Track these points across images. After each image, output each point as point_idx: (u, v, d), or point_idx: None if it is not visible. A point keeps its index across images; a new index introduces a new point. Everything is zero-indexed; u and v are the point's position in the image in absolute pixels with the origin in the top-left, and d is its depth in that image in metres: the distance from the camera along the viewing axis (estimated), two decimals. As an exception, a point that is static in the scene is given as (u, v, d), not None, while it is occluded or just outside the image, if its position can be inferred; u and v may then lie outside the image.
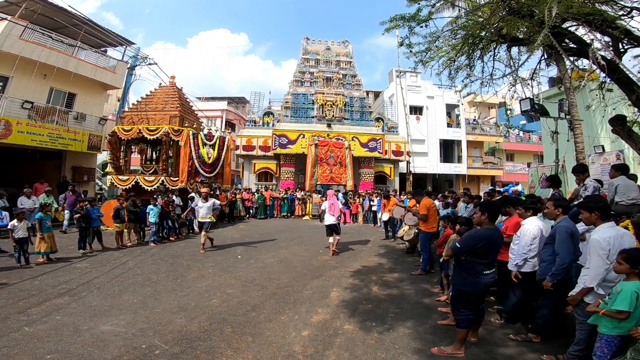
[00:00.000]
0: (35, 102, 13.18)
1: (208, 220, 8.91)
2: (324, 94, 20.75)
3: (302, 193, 18.17)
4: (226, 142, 15.05)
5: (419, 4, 5.03)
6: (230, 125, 33.87)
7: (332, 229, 8.53)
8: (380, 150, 20.09)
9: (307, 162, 18.37)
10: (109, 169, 12.58)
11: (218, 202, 9.65)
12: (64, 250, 8.04)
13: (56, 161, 15.26)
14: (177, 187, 12.07)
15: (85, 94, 15.83)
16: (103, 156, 17.91)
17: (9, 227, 7.10)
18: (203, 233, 8.70)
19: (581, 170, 5.73)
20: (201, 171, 13.18)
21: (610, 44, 4.26)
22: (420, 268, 7.03)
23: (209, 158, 13.69)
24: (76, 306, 4.74)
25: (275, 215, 17.38)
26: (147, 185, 11.72)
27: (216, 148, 14.23)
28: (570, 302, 3.31)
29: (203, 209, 8.93)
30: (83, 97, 15.77)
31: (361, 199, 16.43)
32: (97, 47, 16.33)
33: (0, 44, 11.96)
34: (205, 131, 14.01)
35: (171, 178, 12.08)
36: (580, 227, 3.99)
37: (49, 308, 4.63)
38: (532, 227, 4.15)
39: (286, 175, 19.98)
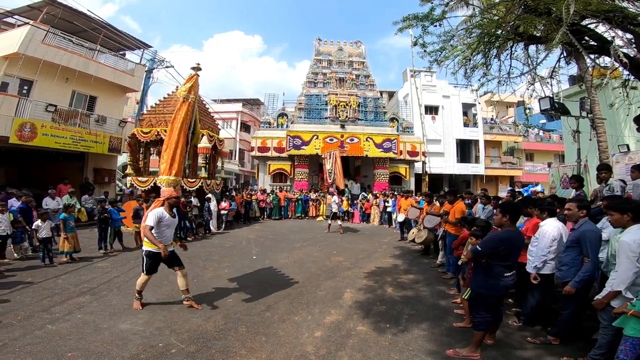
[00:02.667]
0: (58, 106, 13.61)
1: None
2: (337, 94, 20.70)
3: (317, 194, 18.21)
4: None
5: (432, 3, 4.97)
6: (245, 126, 34.26)
7: (335, 215, 12.93)
8: (395, 151, 19.92)
9: (335, 167, 18.41)
10: (128, 170, 12.90)
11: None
12: (86, 250, 8.29)
13: (78, 163, 15.75)
14: (195, 187, 12.27)
15: (105, 96, 16.30)
16: (123, 158, 18.39)
17: (33, 227, 7.37)
18: None
19: (607, 168, 5.58)
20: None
21: (633, 41, 4.11)
22: (450, 271, 6.84)
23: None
24: (97, 305, 4.88)
25: (289, 216, 17.46)
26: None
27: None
28: (596, 307, 3.17)
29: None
30: (103, 100, 16.25)
31: (377, 200, 16.35)
32: (115, 51, 16.77)
33: (24, 48, 12.39)
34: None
35: (188, 179, 12.28)
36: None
37: (71, 306, 4.78)
38: (551, 228, 4.06)
39: (300, 176, 20.05)
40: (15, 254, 7.60)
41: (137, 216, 9.12)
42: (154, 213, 4.82)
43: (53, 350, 3.55)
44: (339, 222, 12.90)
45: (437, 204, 8.30)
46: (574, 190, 6.36)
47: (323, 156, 17.89)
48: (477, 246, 3.56)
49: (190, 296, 4.93)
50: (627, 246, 2.91)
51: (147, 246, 4.76)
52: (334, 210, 13.02)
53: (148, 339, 3.84)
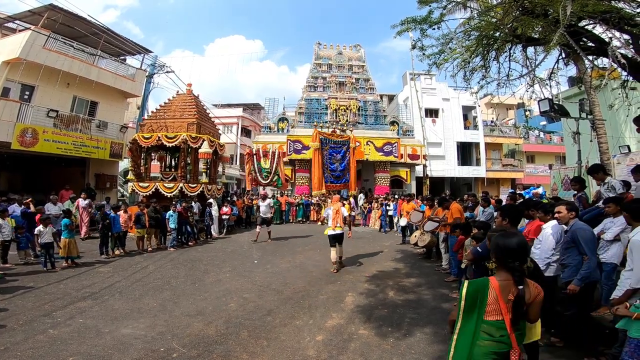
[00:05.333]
0: (59, 111, 13.67)
1: None
2: (337, 98, 20.80)
3: (317, 198, 18.20)
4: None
5: (430, 6, 4.99)
6: (245, 131, 34.32)
7: (265, 221, 11.43)
8: (396, 154, 19.94)
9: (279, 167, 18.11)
10: (130, 176, 12.95)
11: None
12: (87, 255, 8.31)
13: (80, 168, 15.79)
14: (196, 192, 12.30)
15: (106, 102, 16.36)
16: (124, 163, 18.43)
17: (35, 232, 7.38)
18: None
19: (596, 170, 5.60)
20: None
21: (630, 41, 4.12)
22: (452, 274, 6.81)
23: None
24: (98, 309, 4.88)
25: (290, 221, 17.44)
26: (166, 192, 11.99)
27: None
28: (614, 304, 3.15)
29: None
30: (105, 106, 16.30)
31: (378, 204, 16.32)
32: (116, 56, 16.87)
33: (25, 53, 12.43)
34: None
35: (189, 184, 12.31)
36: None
37: (73, 311, 4.78)
38: (551, 230, 4.06)
39: (301, 181, 20.07)
40: (19, 259, 7.64)
41: (139, 221, 9.14)
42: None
43: (55, 354, 3.54)
44: (268, 229, 11.31)
45: (439, 208, 8.30)
46: (575, 192, 6.35)
47: (255, 150, 16.93)
48: (478, 247, 3.56)
49: (341, 262, 7.71)
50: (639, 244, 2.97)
51: (340, 230, 7.38)
52: (264, 215, 11.32)
53: (149, 344, 3.83)
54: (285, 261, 8.29)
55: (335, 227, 7.34)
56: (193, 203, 11.42)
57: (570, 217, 3.83)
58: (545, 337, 4.02)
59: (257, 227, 11.19)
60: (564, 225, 4.10)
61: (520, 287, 1.92)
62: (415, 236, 8.88)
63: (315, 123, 14.99)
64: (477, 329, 1.92)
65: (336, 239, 7.36)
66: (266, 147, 17.17)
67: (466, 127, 26.89)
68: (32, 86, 13.51)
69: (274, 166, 16.49)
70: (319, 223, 16.87)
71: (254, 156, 16.37)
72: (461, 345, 1.95)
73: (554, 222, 4.18)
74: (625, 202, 3.89)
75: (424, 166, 22.49)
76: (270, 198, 12.04)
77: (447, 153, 25.68)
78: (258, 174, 16.26)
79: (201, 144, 12.47)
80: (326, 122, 20.62)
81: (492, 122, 29.44)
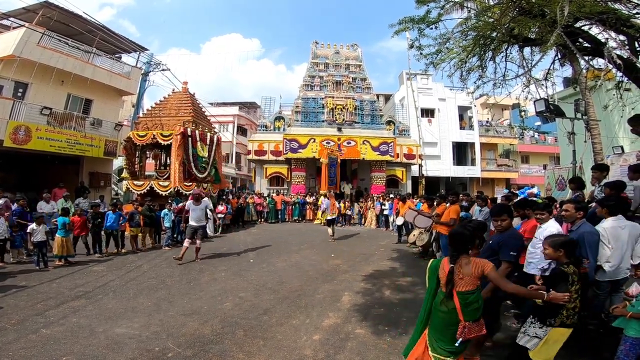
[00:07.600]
0: (53, 108, 13.55)
1: None
2: (333, 97, 20.77)
3: (313, 197, 18.20)
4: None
5: (427, 5, 4.99)
6: (242, 130, 34.23)
7: (199, 232, 8.23)
8: (392, 154, 19.95)
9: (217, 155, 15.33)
10: (124, 174, 12.85)
11: None
12: (81, 254, 8.23)
13: (74, 166, 15.66)
14: (191, 191, 12.22)
15: (101, 100, 16.25)
16: (119, 161, 18.29)
17: (28, 230, 7.30)
18: None
19: (601, 169, 5.63)
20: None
21: (626, 42, 4.15)
22: None
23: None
24: (92, 309, 4.83)
25: (286, 220, 17.40)
26: (161, 190, 11.91)
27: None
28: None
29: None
30: (99, 103, 16.19)
31: (372, 202, 16.36)
32: (111, 54, 16.74)
33: (19, 50, 12.34)
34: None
35: (185, 183, 12.23)
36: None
37: (66, 310, 4.73)
38: (555, 230, 4.06)
39: (297, 180, 20.04)
40: (12, 258, 7.56)
41: (132, 219, 9.07)
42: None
43: (47, 354, 3.50)
44: (198, 244, 8.14)
45: (442, 205, 8.27)
46: (570, 191, 6.39)
47: (190, 130, 12.22)
48: (510, 252, 3.46)
49: (334, 238, 11.21)
50: (599, 233, 3.67)
51: (334, 216, 11.50)
52: (196, 223, 8.02)
53: (144, 343, 3.80)
54: (281, 260, 8.26)
55: (331, 214, 11.34)
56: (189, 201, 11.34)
57: (578, 216, 3.84)
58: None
59: (185, 241, 8.04)
60: (558, 227, 4.12)
61: (452, 265, 2.43)
62: (414, 235, 8.88)
63: (325, 146, 19.22)
64: (434, 295, 2.53)
65: (331, 222, 11.32)
66: (203, 131, 13.11)
67: (462, 127, 27.00)
68: (25, 83, 13.38)
69: (212, 156, 13.26)
70: (316, 222, 16.87)
71: (189, 138, 12.00)
72: (426, 306, 2.56)
73: (552, 221, 4.19)
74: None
75: (420, 166, 22.56)
76: (207, 198, 8.82)
77: (442, 153, 25.78)
78: (193, 165, 12.19)
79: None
80: (323, 121, 20.63)
81: (487, 122, 29.60)
